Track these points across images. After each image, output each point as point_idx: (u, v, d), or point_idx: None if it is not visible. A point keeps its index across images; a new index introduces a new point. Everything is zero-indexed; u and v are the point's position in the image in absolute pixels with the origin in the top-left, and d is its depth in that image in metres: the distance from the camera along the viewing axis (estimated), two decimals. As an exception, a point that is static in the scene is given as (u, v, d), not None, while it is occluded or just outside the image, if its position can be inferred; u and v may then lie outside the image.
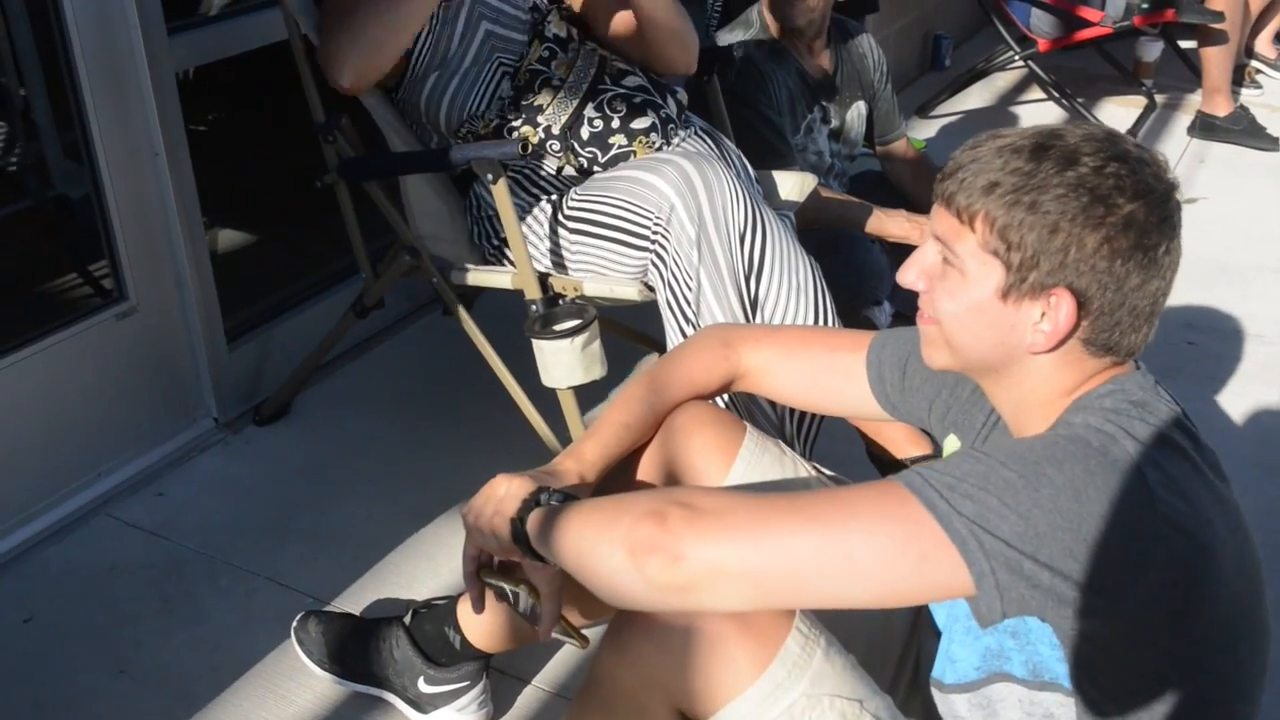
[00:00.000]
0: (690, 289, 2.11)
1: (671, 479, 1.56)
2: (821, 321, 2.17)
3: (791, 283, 2.14)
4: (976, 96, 4.74)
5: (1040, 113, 4.60)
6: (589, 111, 2.29)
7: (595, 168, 2.30)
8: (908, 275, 1.25)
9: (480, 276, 2.37)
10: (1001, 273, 1.15)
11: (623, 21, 2.38)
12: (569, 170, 2.32)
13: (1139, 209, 1.11)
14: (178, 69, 2.51)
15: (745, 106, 2.83)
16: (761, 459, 1.55)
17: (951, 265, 1.19)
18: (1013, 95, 4.84)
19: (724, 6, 3.25)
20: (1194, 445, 1.16)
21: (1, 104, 2.75)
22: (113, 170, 2.46)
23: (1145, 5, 4.34)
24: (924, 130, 4.46)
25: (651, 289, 2.21)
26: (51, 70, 2.48)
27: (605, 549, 1.16)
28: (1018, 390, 1.22)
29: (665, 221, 2.11)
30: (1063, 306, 1.13)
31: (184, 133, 2.53)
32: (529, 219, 2.32)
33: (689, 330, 2.13)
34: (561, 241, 2.27)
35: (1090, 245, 1.11)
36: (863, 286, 2.78)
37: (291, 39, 2.40)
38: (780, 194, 2.58)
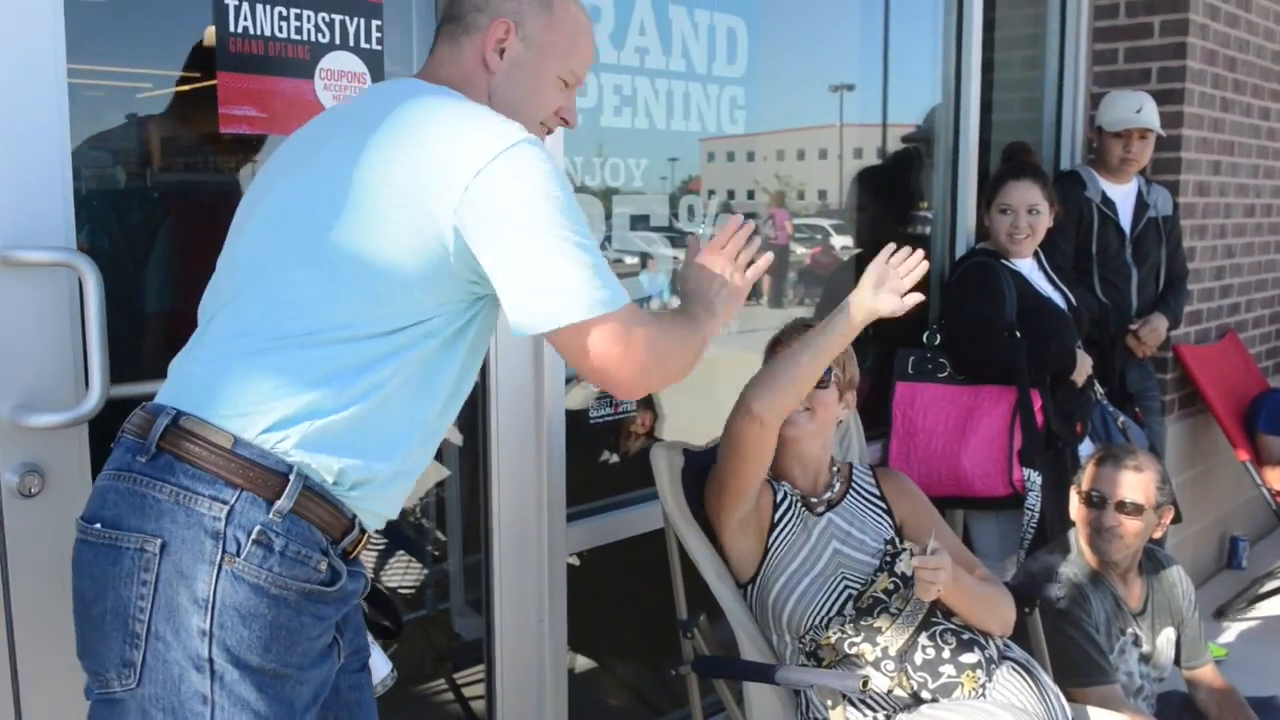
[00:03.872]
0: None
1: None
2: None
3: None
4: (1277, 603, 4.36)
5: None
6: (922, 640, 2.24)
7: (924, 693, 2.21)
8: None
9: (808, 782, 2.26)
10: None
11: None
12: (899, 692, 2.23)
13: None
14: (570, 551, 2.61)
15: (1072, 626, 2.69)
16: None
17: None
18: (1311, 605, 4.43)
19: (1038, 526, 3.15)
20: None
21: (421, 544, 2.92)
22: (504, 626, 2.54)
23: None
24: (1223, 634, 4.11)
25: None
26: (470, 529, 2.63)
27: None
28: None
29: (990, 774, 1.98)
30: None
31: (565, 603, 2.61)
32: (857, 735, 2.22)
33: None
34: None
35: None
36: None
37: (668, 540, 2.46)
38: (1095, 734, 2.39)
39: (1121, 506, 2.76)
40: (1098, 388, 3.50)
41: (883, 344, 3.55)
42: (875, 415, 3.35)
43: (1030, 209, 3.33)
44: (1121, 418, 3.53)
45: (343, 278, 1.44)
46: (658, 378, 1.58)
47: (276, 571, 1.40)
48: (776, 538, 2.36)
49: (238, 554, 1.38)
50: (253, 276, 1.49)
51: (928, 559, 2.12)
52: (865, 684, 2.03)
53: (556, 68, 1.65)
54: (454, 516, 2.81)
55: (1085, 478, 2.84)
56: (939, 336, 3.37)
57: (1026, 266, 3.39)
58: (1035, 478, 3.16)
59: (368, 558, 2.82)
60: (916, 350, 3.38)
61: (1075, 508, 2.88)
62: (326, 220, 1.45)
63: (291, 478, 1.41)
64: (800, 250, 3.67)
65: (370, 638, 1.81)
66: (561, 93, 1.68)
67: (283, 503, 1.41)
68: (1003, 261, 3.35)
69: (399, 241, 1.43)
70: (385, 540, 2.89)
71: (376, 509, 1.54)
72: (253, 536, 1.39)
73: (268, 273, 1.48)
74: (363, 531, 1.53)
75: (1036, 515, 3.16)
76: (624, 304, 1.48)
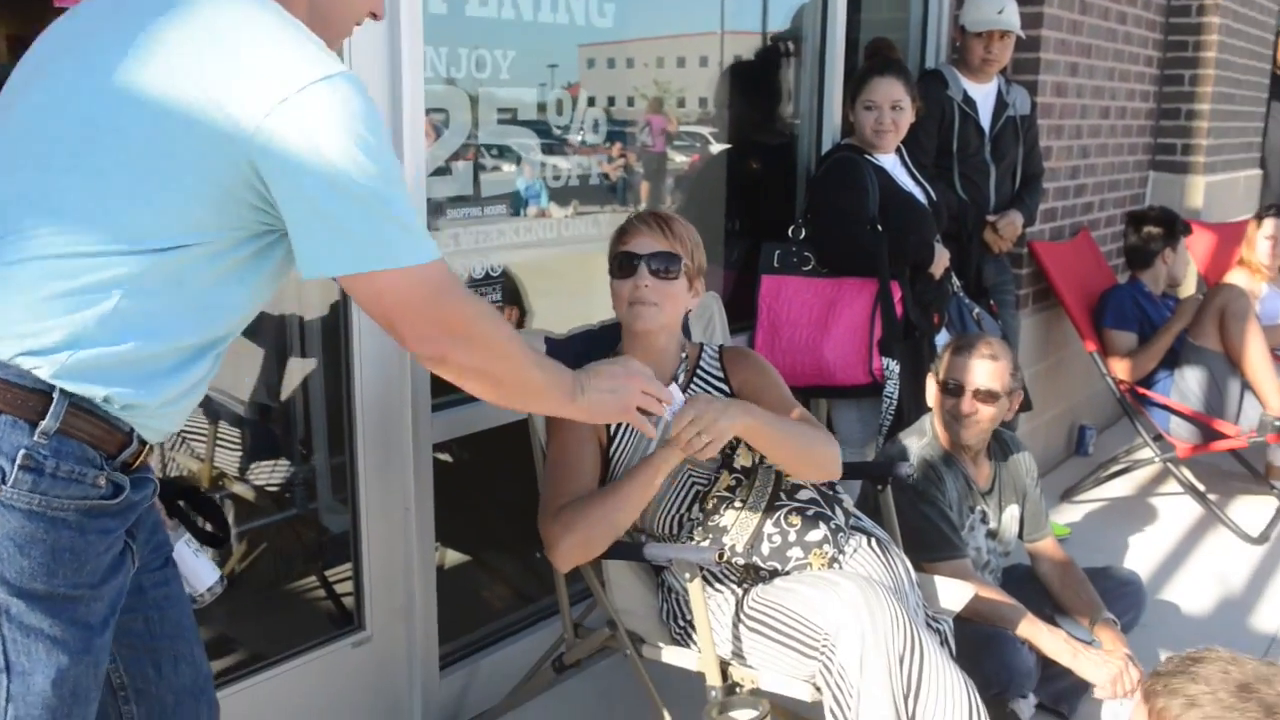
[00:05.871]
0: (851, 700, 2.04)
1: None
2: (975, 742, 2.06)
3: (947, 703, 2.06)
4: (1118, 486, 4.59)
5: (1177, 507, 4.41)
6: (768, 528, 2.27)
7: (776, 580, 2.26)
8: None
9: (669, 655, 2.32)
10: None
11: None
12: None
13: None
14: (435, 441, 2.61)
15: (926, 503, 2.80)
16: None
17: None
18: (1151, 488, 4.67)
19: (896, 412, 3.24)
20: None
21: (288, 442, 2.87)
22: (370, 517, 2.54)
23: (1278, 424, 4.18)
24: (1069, 514, 4.32)
25: (819, 690, 2.13)
26: (335, 424, 2.60)
27: None
28: None
29: (834, 638, 2.06)
30: None
31: (432, 493, 2.61)
32: (714, 607, 2.28)
33: (851, 737, 2.04)
34: (741, 635, 2.22)
35: None
36: (1012, 683, 2.66)
37: (531, 430, 2.47)
38: (940, 601, 2.50)
39: (978, 394, 2.85)
40: (955, 281, 3.60)
41: (749, 238, 3.58)
42: (741, 308, 3.39)
43: (894, 105, 3.37)
44: (977, 310, 3.64)
45: (118, 187, 1.30)
46: (455, 357, 1.47)
47: (51, 494, 1.29)
48: (616, 448, 2.34)
49: (4, 481, 1.26)
50: (6, 178, 1.34)
51: (682, 419, 2.02)
52: (721, 556, 2.07)
53: None
54: (318, 409, 2.77)
55: (942, 366, 2.92)
56: (804, 230, 3.41)
57: (889, 162, 3.44)
58: (894, 366, 3.25)
59: (228, 459, 2.76)
60: (782, 244, 3.41)
61: (932, 394, 2.97)
62: (104, 123, 1.31)
63: (55, 396, 1.29)
64: (679, 158, 3.65)
65: (197, 545, 1.71)
66: None
67: (48, 423, 1.29)
68: (866, 156, 3.39)
69: (184, 154, 1.30)
70: (246, 439, 2.84)
71: (155, 425, 1.42)
72: (18, 462, 1.27)
73: (26, 176, 1.33)
74: (143, 444, 1.41)
75: (895, 402, 3.25)
76: (429, 259, 1.38)
